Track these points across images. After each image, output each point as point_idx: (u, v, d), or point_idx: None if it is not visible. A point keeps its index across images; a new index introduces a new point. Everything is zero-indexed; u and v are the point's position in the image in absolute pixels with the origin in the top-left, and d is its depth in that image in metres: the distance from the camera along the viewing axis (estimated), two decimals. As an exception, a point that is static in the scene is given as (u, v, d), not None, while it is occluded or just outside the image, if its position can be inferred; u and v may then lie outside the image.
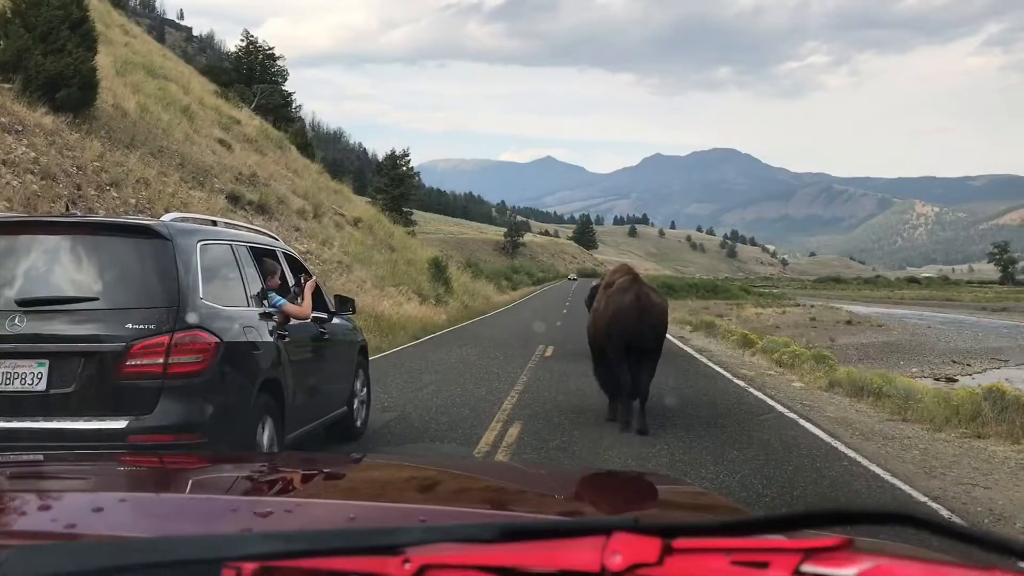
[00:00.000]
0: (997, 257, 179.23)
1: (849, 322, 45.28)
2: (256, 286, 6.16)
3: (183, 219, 5.86)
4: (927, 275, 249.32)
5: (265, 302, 6.18)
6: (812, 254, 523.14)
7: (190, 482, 2.06)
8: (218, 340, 5.15)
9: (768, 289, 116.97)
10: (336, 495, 1.90)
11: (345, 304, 8.27)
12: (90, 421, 4.87)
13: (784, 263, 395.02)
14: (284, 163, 29.00)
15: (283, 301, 6.41)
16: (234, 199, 18.40)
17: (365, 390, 8.69)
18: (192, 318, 5.05)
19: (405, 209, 67.77)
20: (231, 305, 5.65)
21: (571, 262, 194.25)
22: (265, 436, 5.64)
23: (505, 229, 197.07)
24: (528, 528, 0.91)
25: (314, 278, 7.46)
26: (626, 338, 9.20)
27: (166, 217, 5.58)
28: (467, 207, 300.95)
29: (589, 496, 2.10)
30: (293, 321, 6.46)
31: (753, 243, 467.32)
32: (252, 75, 52.37)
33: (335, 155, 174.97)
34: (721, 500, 2.19)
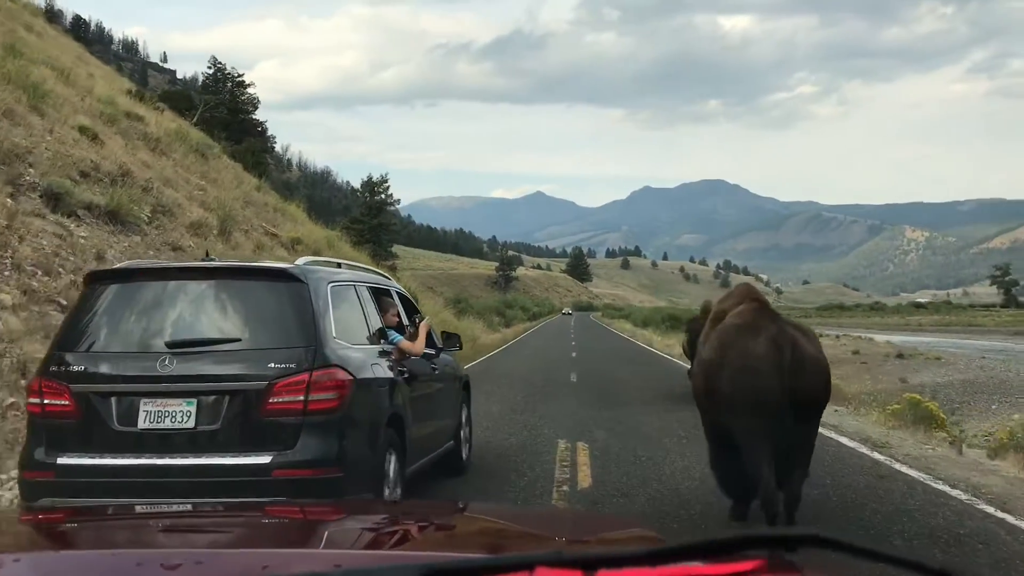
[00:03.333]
0: (1000, 279, 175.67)
1: (900, 355, 39.29)
2: (376, 324, 6.40)
3: (314, 262, 6.17)
4: (923, 300, 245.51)
5: (383, 340, 6.35)
6: (805, 282, 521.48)
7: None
8: (352, 377, 5.33)
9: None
10: (250, 544, 1.88)
11: (452, 340, 8.32)
12: (236, 456, 5.04)
13: (779, 292, 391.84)
14: (201, 172, 22.35)
15: (400, 338, 6.57)
16: (54, 198, 11.70)
17: (469, 425, 8.76)
18: (328, 357, 5.26)
19: (385, 238, 61.89)
20: (357, 343, 5.85)
21: (565, 295, 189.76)
22: (392, 469, 5.73)
23: (496, 263, 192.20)
24: (450, 567, 0.89)
25: (427, 318, 7.73)
26: (759, 408, 5.77)
27: (299, 261, 5.88)
28: (458, 243, 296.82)
29: (519, 533, 2.07)
30: (410, 357, 6.64)
31: (746, 272, 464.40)
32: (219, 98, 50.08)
33: (324, 194, 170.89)
34: (650, 532, 2.19)
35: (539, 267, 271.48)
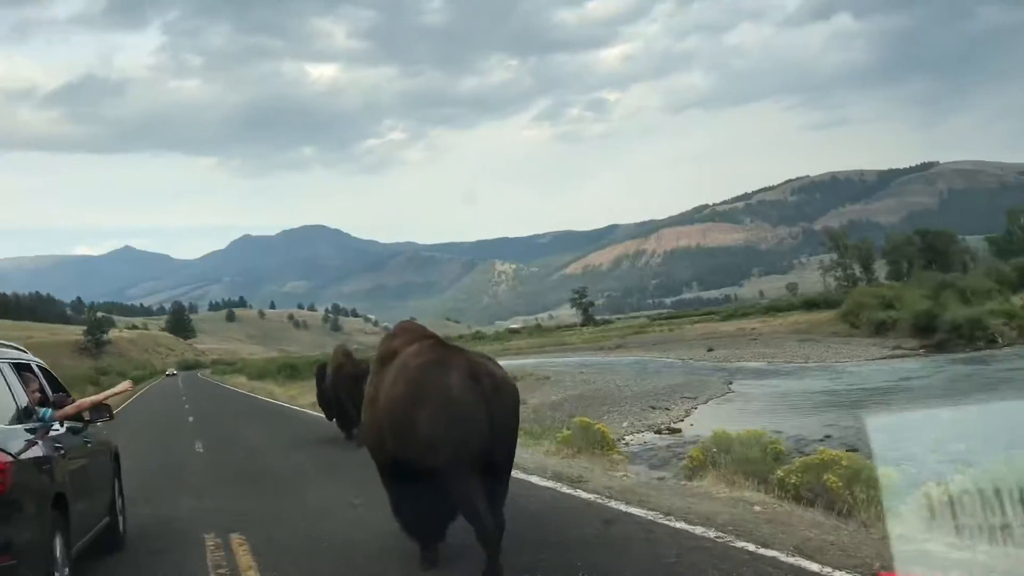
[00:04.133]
0: (578, 301, 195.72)
1: (515, 378, 41.29)
2: (23, 401, 6.12)
3: None
4: (516, 326, 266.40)
5: (33, 417, 6.11)
6: (412, 319, 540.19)
7: None
8: (12, 458, 5.11)
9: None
10: None
11: (101, 411, 7.44)
12: None
13: (387, 330, 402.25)
14: None
15: (50, 412, 6.34)
16: None
17: (122, 496, 8.35)
18: None
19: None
20: (6, 424, 5.59)
21: (168, 355, 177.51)
22: (58, 551, 5.48)
23: (84, 327, 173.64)
24: None
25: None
26: (467, 444, 5.51)
27: None
28: (35, 307, 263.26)
29: None
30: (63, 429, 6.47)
31: (355, 314, 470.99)
32: None
33: None
34: None
35: (135, 327, 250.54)
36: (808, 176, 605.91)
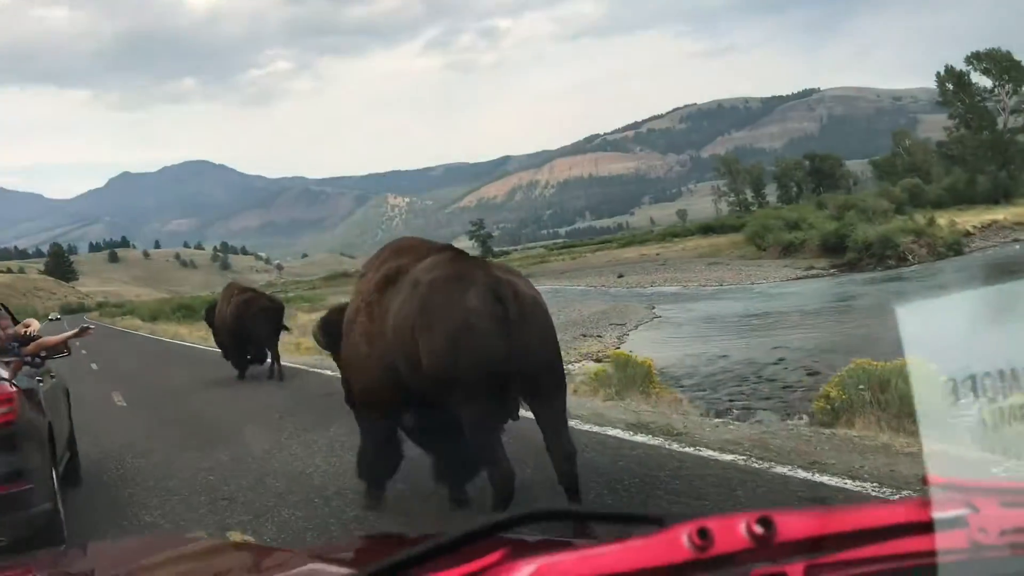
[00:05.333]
0: (475, 233, 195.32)
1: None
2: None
3: None
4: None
5: (11, 351, 6.48)
6: (304, 255, 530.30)
7: None
8: (17, 388, 5.35)
9: (285, 293, 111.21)
10: None
11: (59, 349, 7.52)
12: None
13: (280, 268, 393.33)
14: None
15: (19, 348, 6.68)
16: None
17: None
18: None
19: None
20: None
21: (49, 299, 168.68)
22: (55, 477, 5.69)
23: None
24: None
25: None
26: (484, 375, 4.71)
27: None
28: None
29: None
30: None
31: (245, 252, 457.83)
32: None
33: None
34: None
35: (10, 271, 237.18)
36: (695, 104, 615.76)
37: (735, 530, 0.86)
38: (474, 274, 4.96)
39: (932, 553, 0.81)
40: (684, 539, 0.85)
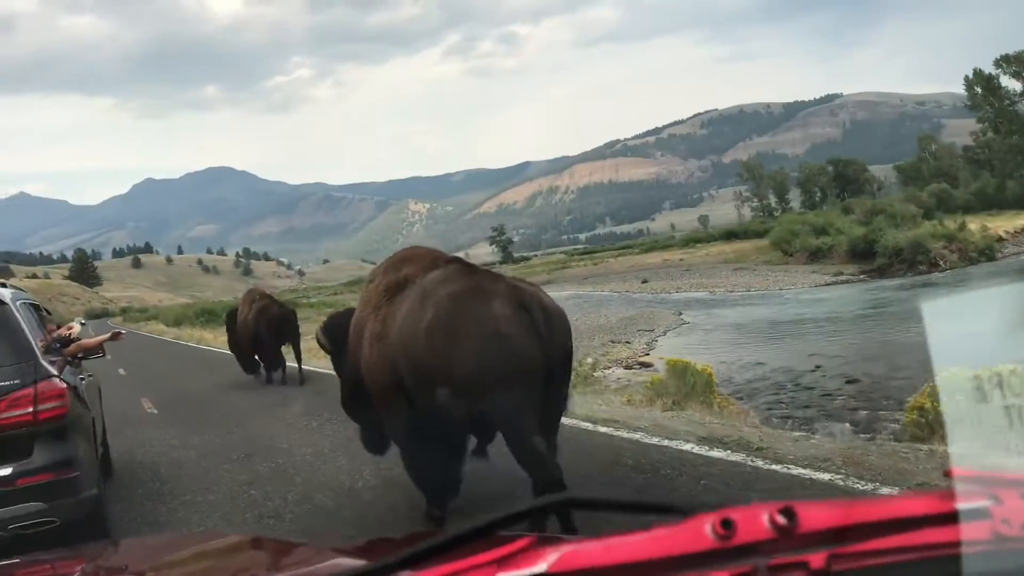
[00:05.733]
0: (496, 239, 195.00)
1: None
2: (41, 336, 6.46)
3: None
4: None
5: (54, 350, 6.54)
6: (325, 261, 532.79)
7: None
8: (68, 385, 5.75)
9: (308, 299, 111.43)
10: None
11: (96, 350, 7.78)
12: None
13: (301, 273, 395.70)
14: None
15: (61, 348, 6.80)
16: None
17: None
18: (48, 370, 5.61)
19: None
20: (46, 356, 5.95)
21: (74, 304, 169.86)
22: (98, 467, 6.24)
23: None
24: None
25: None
26: (519, 390, 4.84)
27: None
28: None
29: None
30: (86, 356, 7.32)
31: (267, 258, 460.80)
32: None
33: None
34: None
35: (36, 276, 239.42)
36: (716, 109, 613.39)
37: (758, 520, 0.87)
38: (494, 285, 5.16)
39: (955, 544, 0.82)
40: (707, 529, 0.87)
